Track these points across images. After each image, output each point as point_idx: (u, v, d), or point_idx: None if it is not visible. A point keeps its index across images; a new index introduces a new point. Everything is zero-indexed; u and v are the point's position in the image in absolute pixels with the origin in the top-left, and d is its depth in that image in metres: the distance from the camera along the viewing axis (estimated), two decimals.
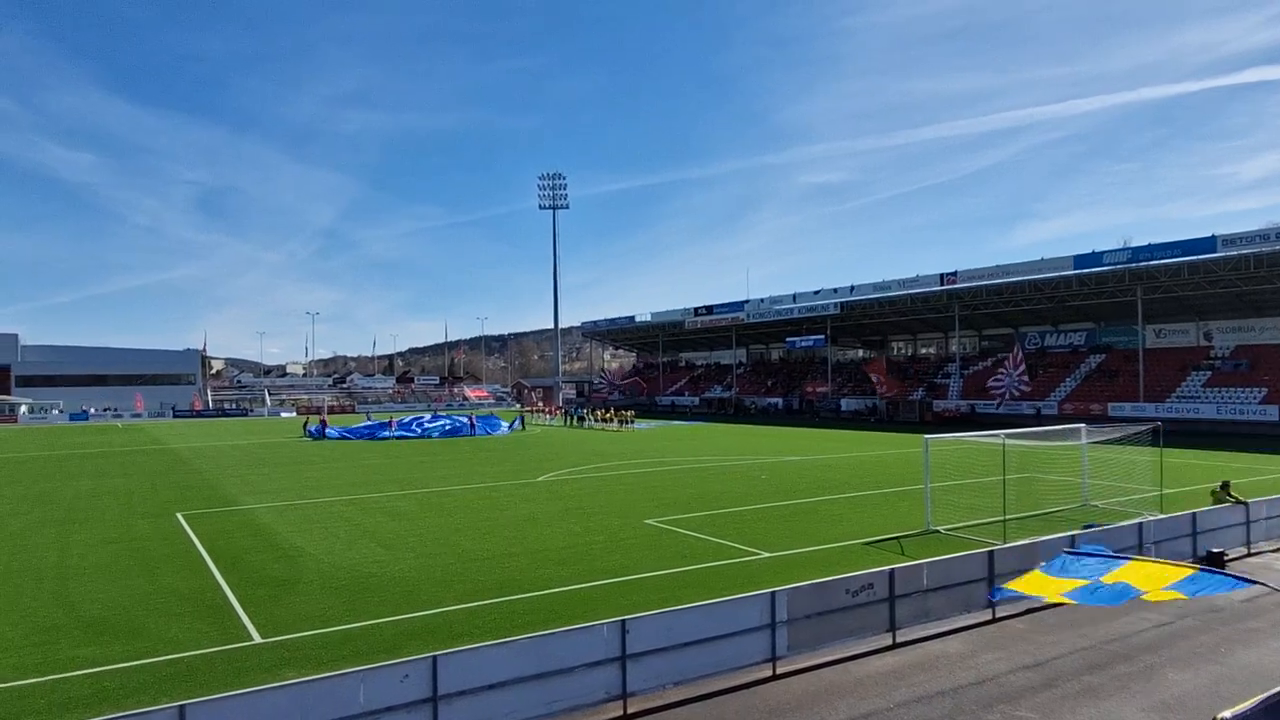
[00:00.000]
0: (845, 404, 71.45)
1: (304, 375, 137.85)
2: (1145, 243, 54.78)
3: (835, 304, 73.90)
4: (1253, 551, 16.96)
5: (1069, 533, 14.42)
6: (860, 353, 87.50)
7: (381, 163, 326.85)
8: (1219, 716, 7.14)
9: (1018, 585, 9.21)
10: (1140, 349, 57.61)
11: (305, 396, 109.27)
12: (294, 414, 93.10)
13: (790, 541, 17.91)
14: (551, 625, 10.93)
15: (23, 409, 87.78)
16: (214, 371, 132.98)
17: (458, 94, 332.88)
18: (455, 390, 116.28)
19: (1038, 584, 8.89)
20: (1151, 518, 16.00)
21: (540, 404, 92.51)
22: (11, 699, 9.55)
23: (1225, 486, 18.84)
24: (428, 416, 59.81)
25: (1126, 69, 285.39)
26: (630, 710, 9.23)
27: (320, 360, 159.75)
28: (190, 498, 26.27)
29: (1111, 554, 9.50)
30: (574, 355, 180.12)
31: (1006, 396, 56.54)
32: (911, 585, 11.67)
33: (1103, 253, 56.67)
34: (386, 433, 52.01)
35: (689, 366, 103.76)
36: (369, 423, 55.75)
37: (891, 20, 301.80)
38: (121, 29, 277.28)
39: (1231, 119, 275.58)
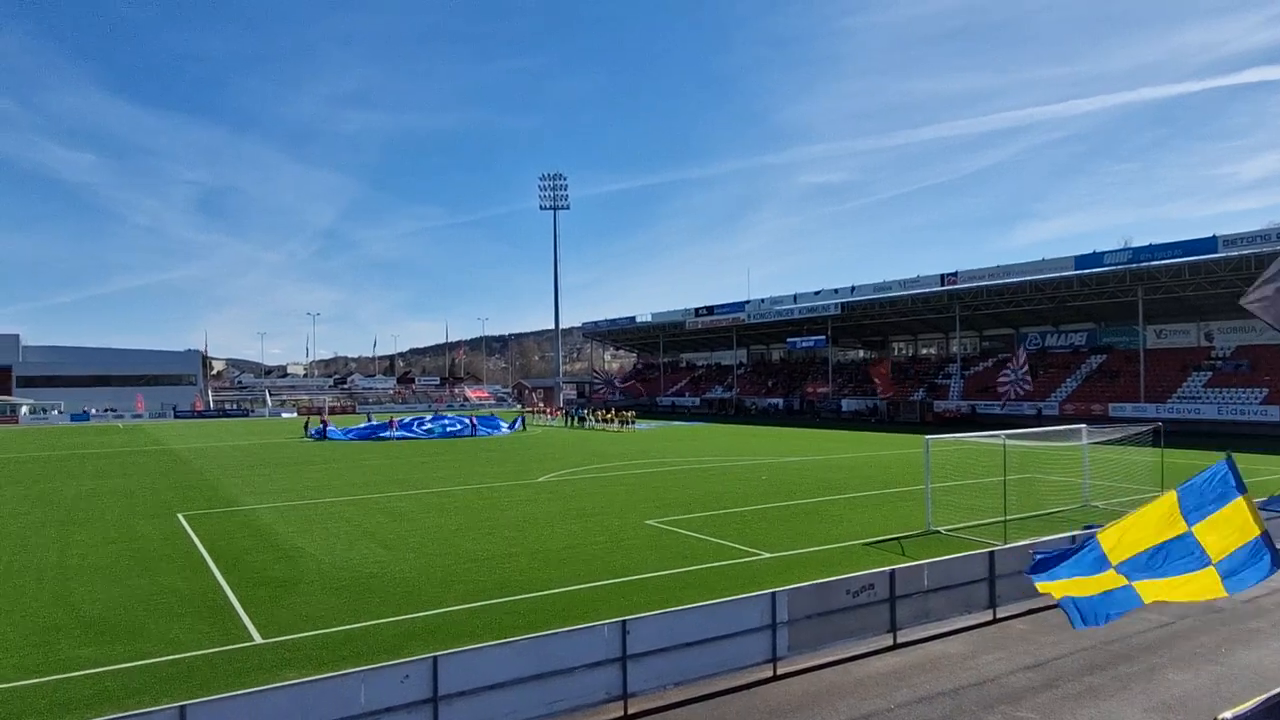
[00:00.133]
0: (846, 404, 71.46)
1: (305, 376, 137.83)
2: (1146, 243, 54.88)
3: (836, 304, 73.89)
4: None
5: (1070, 533, 14.41)
6: (861, 353, 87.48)
7: (382, 163, 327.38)
8: (1220, 717, 7.14)
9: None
10: (1141, 349, 57.59)
11: (306, 397, 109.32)
12: (295, 414, 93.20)
13: (791, 542, 17.91)
14: (552, 626, 10.93)
15: (24, 410, 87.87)
16: (215, 372, 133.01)
17: (458, 94, 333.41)
18: (456, 391, 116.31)
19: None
20: None
21: (541, 404, 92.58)
22: (12, 699, 9.56)
23: None
24: (429, 417, 59.88)
25: (1127, 69, 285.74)
26: (631, 711, 9.23)
27: (321, 361, 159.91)
28: (191, 498, 26.29)
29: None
30: (575, 356, 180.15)
31: (1012, 394, 56.80)
32: (912, 586, 11.67)
33: (1103, 253, 56.66)
34: (387, 433, 52.04)
35: (690, 367, 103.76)
36: (370, 423, 55.76)
37: (891, 20, 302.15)
38: (122, 29, 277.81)
39: (1232, 119, 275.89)
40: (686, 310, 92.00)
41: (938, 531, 18.66)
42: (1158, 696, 9.62)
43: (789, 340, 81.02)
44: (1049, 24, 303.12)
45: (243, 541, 19.01)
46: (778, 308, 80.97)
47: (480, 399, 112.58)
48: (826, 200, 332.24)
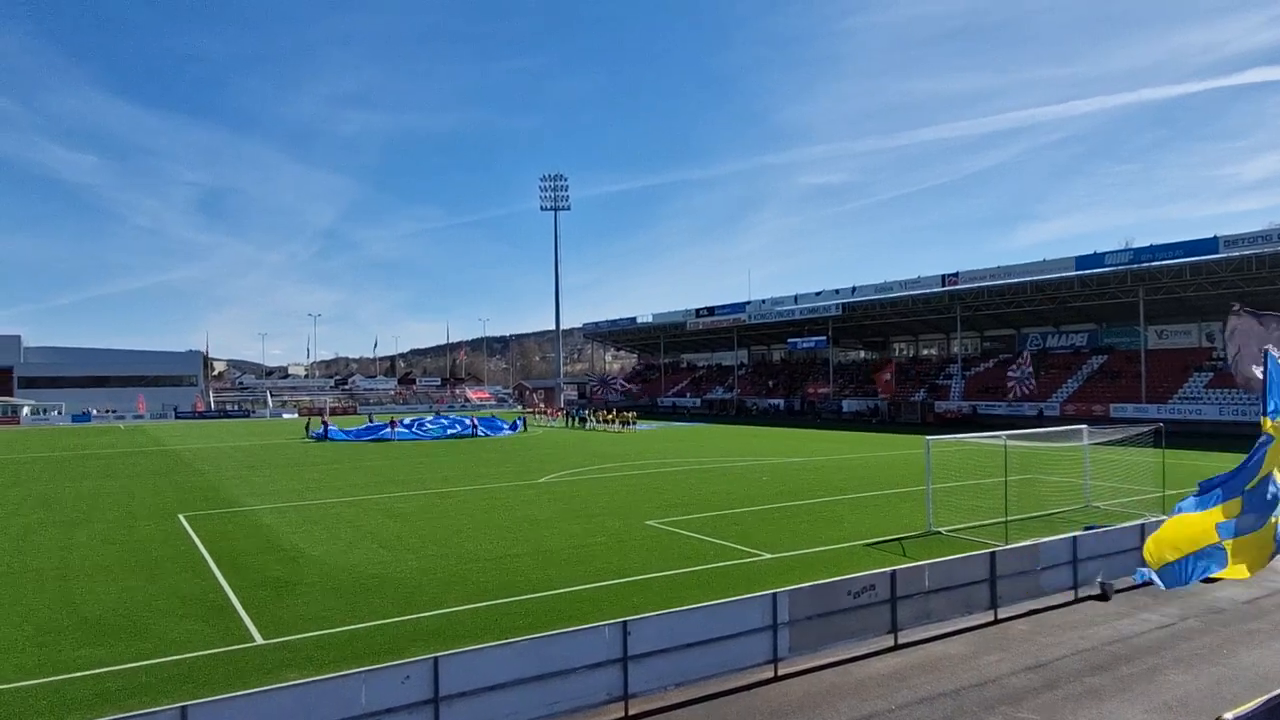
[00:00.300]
0: (847, 405, 71.43)
1: (306, 376, 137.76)
2: (1147, 244, 54.88)
3: (837, 305, 73.89)
4: None
5: (1071, 534, 14.40)
6: (862, 354, 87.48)
7: (382, 163, 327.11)
8: (1221, 718, 7.14)
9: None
10: (1142, 350, 57.56)
11: (307, 398, 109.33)
12: (296, 415, 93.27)
13: (792, 543, 17.91)
14: (553, 626, 10.93)
15: (25, 410, 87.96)
16: (216, 373, 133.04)
17: (458, 94, 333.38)
18: (457, 391, 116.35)
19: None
20: (1154, 519, 15.97)
21: (542, 405, 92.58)
22: (14, 700, 9.57)
23: None
24: (429, 418, 59.90)
25: (1127, 69, 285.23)
26: (632, 711, 9.24)
27: (322, 361, 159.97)
28: (192, 499, 26.30)
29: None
30: (575, 356, 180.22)
31: (1018, 392, 57.27)
32: (913, 587, 11.67)
33: (1104, 254, 56.64)
34: (388, 434, 52.06)
35: (690, 368, 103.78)
36: (371, 424, 55.79)
37: (892, 20, 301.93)
38: (122, 30, 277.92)
39: (1233, 119, 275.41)
40: (687, 311, 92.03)
41: (939, 532, 18.65)
42: (1159, 697, 9.62)
43: (790, 341, 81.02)
44: (1049, 24, 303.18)
45: (244, 542, 19.02)
46: (778, 308, 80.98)
47: (481, 400, 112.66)
48: (827, 201, 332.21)
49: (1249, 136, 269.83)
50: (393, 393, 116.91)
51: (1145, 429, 21.41)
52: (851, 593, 11.09)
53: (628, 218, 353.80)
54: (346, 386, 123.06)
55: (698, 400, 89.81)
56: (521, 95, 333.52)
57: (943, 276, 66.11)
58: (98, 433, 67.40)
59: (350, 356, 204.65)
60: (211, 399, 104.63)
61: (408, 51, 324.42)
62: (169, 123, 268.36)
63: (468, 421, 56.43)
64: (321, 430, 53.31)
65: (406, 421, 56.15)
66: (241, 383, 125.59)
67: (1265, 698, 7.88)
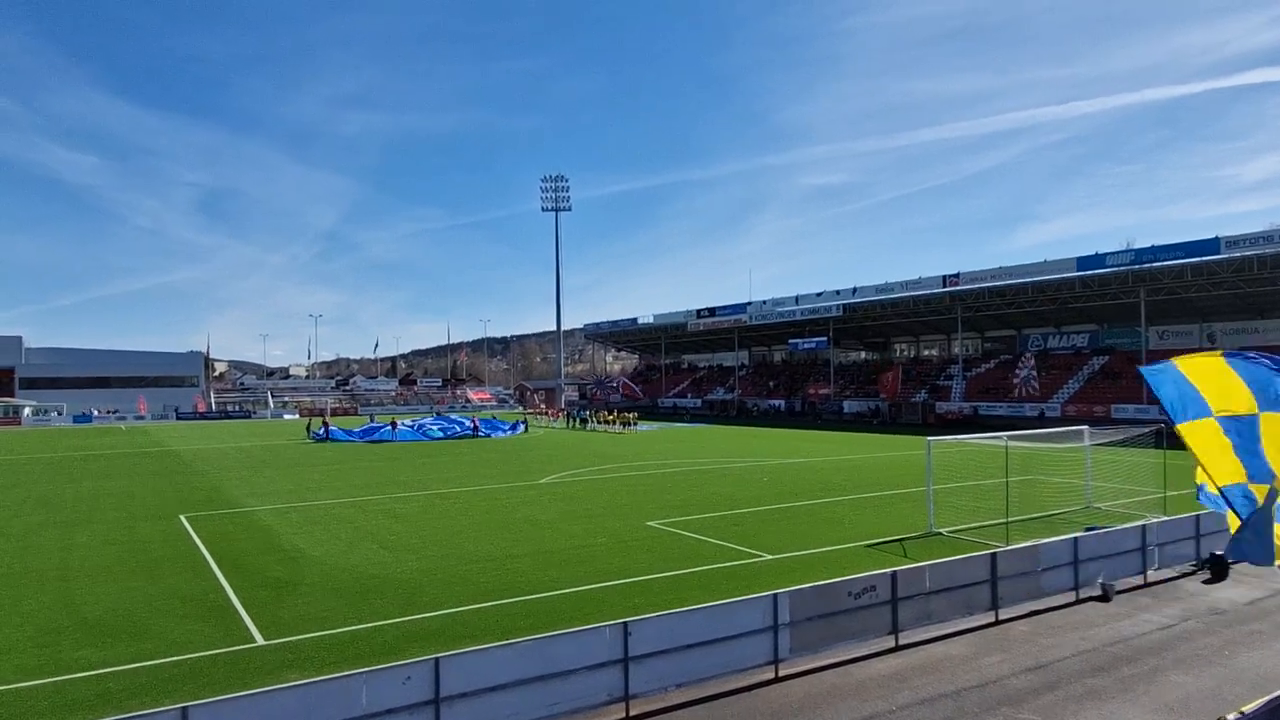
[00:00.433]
0: (848, 406, 71.42)
1: (307, 377, 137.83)
2: (1148, 244, 54.85)
3: (837, 306, 73.88)
4: None
5: (1072, 535, 14.39)
6: (863, 355, 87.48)
7: (382, 164, 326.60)
8: (1223, 719, 7.13)
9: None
10: (1143, 350, 57.52)
11: (308, 399, 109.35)
12: (297, 416, 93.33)
13: (792, 544, 17.90)
14: (554, 627, 10.93)
15: (27, 411, 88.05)
16: (217, 374, 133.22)
17: (458, 95, 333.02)
18: (458, 392, 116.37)
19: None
20: (1155, 520, 15.96)
21: (543, 406, 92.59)
22: (15, 701, 9.57)
23: None
24: (430, 418, 59.90)
25: (1128, 70, 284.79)
26: (633, 712, 9.24)
27: (323, 362, 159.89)
28: (193, 500, 26.32)
29: None
30: (576, 357, 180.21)
31: (1024, 391, 57.54)
32: (914, 587, 11.66)
33: (1105, 254, 56.63)
34: (389, 435, 52.08)
35: (691, 368, 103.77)
36: (372, 424, 55.82)
37: (892, 21, 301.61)
38: (122, 30, 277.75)
39: (1234, 120, 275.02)
40: (688, 312, 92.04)
41: (940, 533, 18.64)
42: (1160, 698, 9.61)
43: (791, 342, 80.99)
44: (1050, 25, 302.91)
45: (245, 543, 19.03)
46: (779, 309, 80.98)
47: (482, 400, 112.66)
48: (828, 202, 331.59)
49: (1250, 137, 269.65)
50: (394, 393, 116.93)
51: (1146, 430, 21.40)
52: (852, 593, 11.09)
53: (628, 218, 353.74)
54: (347, 387, 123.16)
55: (698, 401, 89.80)
56: (522, 96, 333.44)
57: (944, 277, 66.10)
58: (99, 433, 67.45)
59: (351, 357, 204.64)
60: (213, 400, 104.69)
61: (408, 52, 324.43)
62: (169, 123, 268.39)
63: (468, 422, 56.48)
64: (322, 431, 53.35)
65: (408, 422, 56.19)
66: (242, 383, 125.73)
67: (1267, 699, 7.87)
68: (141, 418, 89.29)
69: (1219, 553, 15.41)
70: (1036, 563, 13.28)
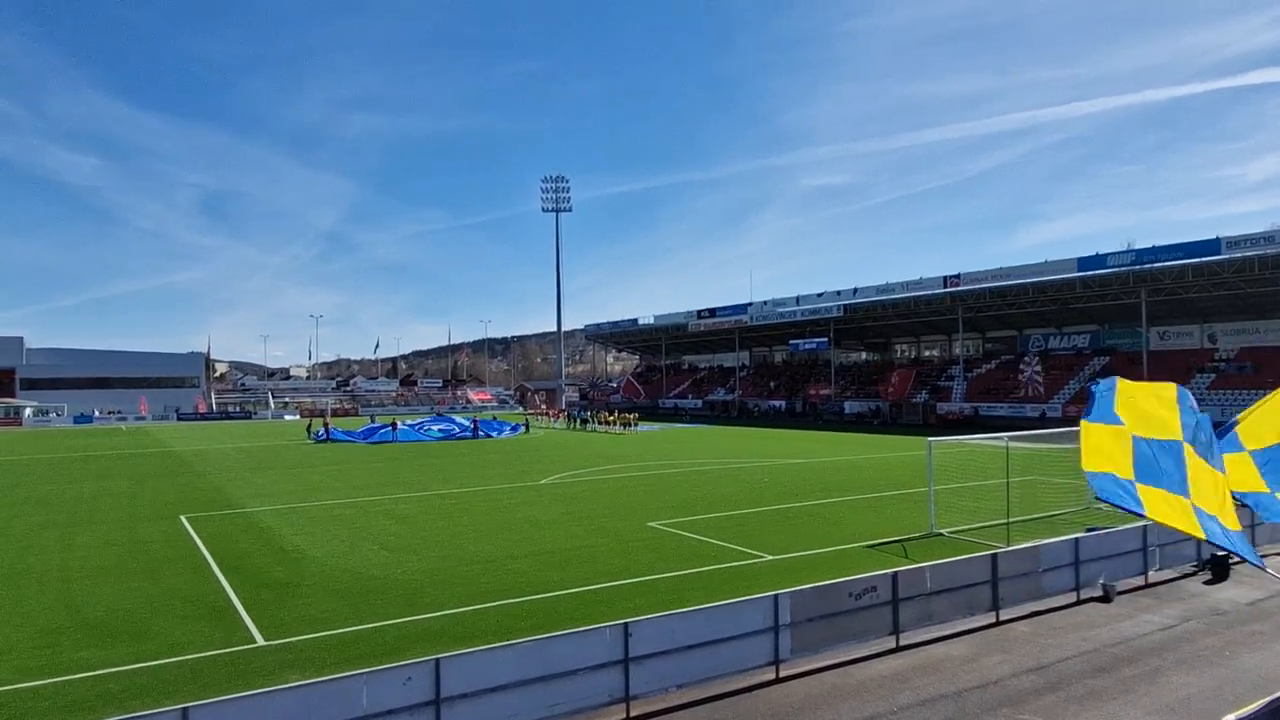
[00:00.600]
0: (848, 406, 71.39)
1: (307, 378, 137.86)
2: (1149, 245, 54.79)
3: (838, 306, 73.84)
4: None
5: (1073, 535, 14.39)
6: (863, 355, 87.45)
7: (384, 166, 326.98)
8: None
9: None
10: (1144, 351, 57.51)
11: (309, 399, 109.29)
12: (298, 417, 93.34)
13: (793, 544, 17.89)
14: (554, 628, 10.93)
15: (28, 412, 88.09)
16: (218, 374, 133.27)
17: (460, 97, 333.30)
18: (458, 393, 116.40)
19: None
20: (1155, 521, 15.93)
21: (544, 406, 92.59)
22: (15, 701, 9.58)
23: None
24: (431, 419, 59.89)
25: (1129, 71, 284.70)
26: (633, 713, 9.23)
27: (324, 363, 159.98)
28: (194, 500, 26.32)
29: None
30: (577, 358, 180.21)
31: (1029, 390, 57.77)
32: (915, 588, 11.66)
33: (1106, 255, 56.57)
34: (390, 436, 52.08)
35: (692, 369, 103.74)
36: (372, 425, 55.83)
37: (893, 23, 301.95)
38: (124, 32, 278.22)
39: (1235, 121, 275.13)
40: (689, 312, 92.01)
41: (940, 534, 18.63)
42: (1161, 699, 9.60)
43: (791, 342, 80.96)
44: (1050, 26, 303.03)
45: (245, 544, 19.03)
46: (780, 310, 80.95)
47: (483, 401, 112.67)
48: (829, 202, 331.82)
49: (1250, 138, 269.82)
50: (394, 394, 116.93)
51: None
52: (853, 594, 11.08)
53: (630, 219, 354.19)
54: (348, 388, 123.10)
55: (699, 402, 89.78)
56: (524, 98, 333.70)
57: (944, 278, 66.06)
58: (100, 434, 67.48)
59: (352, 358, 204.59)
60: (213, 400, 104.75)
61: (410, 55, 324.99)
62: (171, 125, 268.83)
63: (469, 423, 56.48)
64: (323, 432, 53.35)
65: (408, 423, 56.19)
66: (243, 384, 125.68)
67: (1267, 699, 7.87)
68: (142, 418, 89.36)
69: (1220, 553, 15.40)
70: (1037, 563, 13.27)
